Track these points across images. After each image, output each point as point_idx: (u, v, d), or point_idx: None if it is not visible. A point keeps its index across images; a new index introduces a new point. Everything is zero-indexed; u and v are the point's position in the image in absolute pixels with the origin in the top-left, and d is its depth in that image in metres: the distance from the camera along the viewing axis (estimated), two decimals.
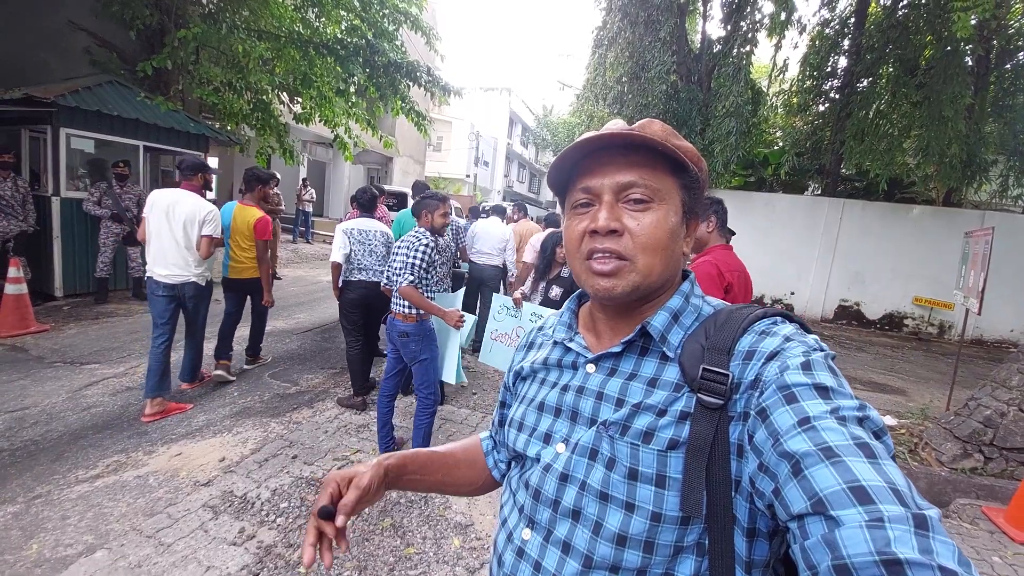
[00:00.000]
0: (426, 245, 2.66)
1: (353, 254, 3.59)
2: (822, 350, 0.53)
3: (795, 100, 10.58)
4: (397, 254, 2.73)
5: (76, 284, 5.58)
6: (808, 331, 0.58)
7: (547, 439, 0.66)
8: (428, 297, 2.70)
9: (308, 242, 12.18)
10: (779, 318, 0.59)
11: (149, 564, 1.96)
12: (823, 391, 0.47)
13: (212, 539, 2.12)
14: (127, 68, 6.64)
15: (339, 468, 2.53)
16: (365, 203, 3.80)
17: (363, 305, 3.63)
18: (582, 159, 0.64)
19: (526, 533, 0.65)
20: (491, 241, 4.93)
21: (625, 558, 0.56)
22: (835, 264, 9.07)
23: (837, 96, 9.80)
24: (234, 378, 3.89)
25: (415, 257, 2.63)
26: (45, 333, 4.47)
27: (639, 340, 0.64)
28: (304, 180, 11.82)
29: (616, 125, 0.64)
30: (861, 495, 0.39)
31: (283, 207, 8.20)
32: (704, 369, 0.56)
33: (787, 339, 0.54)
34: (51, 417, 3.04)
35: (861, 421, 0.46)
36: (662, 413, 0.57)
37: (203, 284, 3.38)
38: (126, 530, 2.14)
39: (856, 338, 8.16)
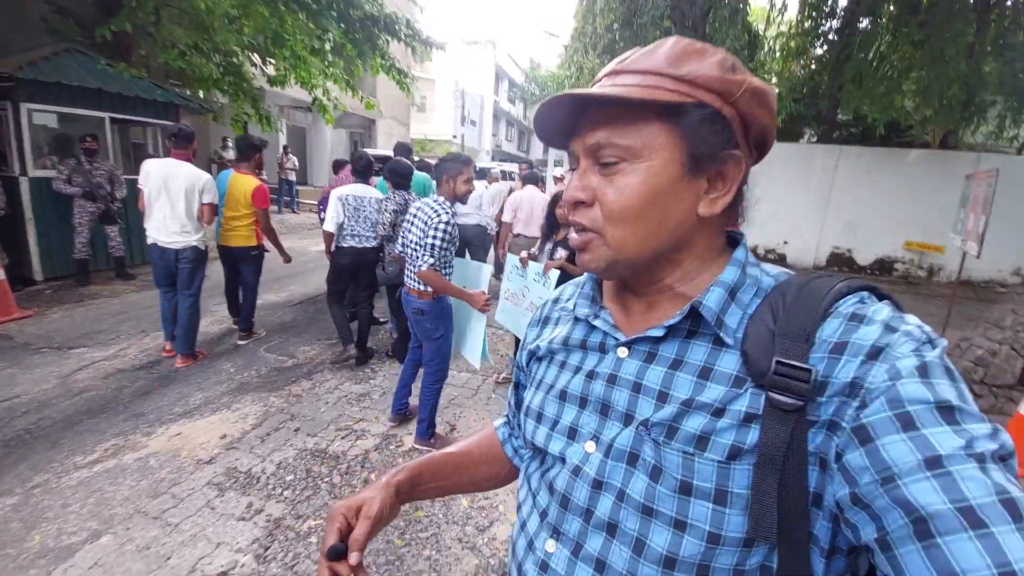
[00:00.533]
0: (446, 223, 2.40)
1: (347, 221, 3.60)
2: (931, 343, 0.42)
3: (793, 44, 10.19)
4: (412, 225, 2.53)
5: (55, 267, 5.40)
6: (902, 309, 0.47)
7: (572, 434, 0.57)
8: (447, 275, 2.53)
9: (294, 212, 11.89)
10: (865, 293, 0.48)
11: (157, 545, 1.96)
12: (948, 412, 0.38)
13: (220, 516, 2.13)
14: (86, 35, 6.18)
15: (342, 437, 2.51)
16: (361, 169, 3.78)
17: (353, 269, 3.74)
18: (546, 113, 0.54)
19: (550, 545, 0.56)
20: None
21: None
22: (829, 212, 9.03)
23: (836, 38, 9.43)
24: (263, 332, 4.28)
25: (435, 237, 2.39)
26: (29, 319, 4.35)
27: (685, 323, 0.52)
28: (285, 147, 11.40)
29: (627, 55, 0.54)
30: None
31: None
32: (778, 362, 0.45)
33: (888, 328, 0.43)
34: (43, 404, 2.98)
35: (1002, 458, 0.37)
36: (719, 413, 0.47)
37: (202, 248, 3.58)
38: (130, 513, 2.13)
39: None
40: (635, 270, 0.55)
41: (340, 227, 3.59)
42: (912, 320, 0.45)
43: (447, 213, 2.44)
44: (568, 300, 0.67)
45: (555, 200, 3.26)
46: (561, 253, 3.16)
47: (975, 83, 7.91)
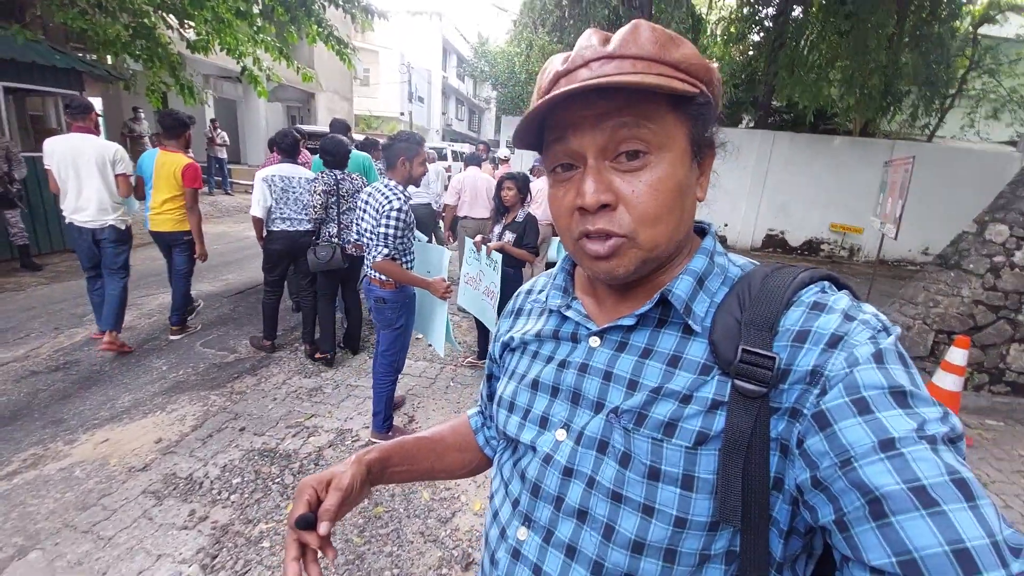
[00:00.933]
0: (399, 209, 2.28)
1: (275, 204, 3.39)
2: (886, 330, 0.44)
3: (733, 29, 10.55)
4: (365, 212, 2.41)
5: None
6: (858, 297, 0.49)
7: (544, 423, 0.58)
8: (407, 262, 2.43)
9: (228, 193, 11.03)
10: (826, 283, 0.50)
11: (91, 560, 1.81)
12: (901, 397, 0.40)
13: (159, 526, 1.99)
14: None
15: (293, 435, 2.40)
16: (286, 148, 3.54)
17: (289, 255, 3.55)
18: (554, 107, 0.48)
19: (522, 532, 0.57)
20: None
21: (642, 567, 0.48)
22: (764, 195, 9.57)
23: (772, 25, 9.85)
24: (199, 326, 3.99)
25: (388, 226, 2.27)
26: None
27: (655, 312, 0.53)
28: (213, 121, 10.47)
29: (590, 43, 0.49)
30: (967, 562, 0.34)
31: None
32: (743, 350, 0.46)
33: (847, 316, 0.45)
34: None
35: (952, 440, 0.39)
36: (687, 400, 0.48)
37: (123, 228, 3.42)
38: (58, 527, 1.95)
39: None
40: (655, 267, 0.53)
41: (268, 211, 3.40)
42: (869, 309, 0.47)
43: (399, 199, 2.31)
44: (541, 292, 0.67)
45: (500, 183, 3.24)
46: (508, 236, 3.16)
47: (893, 73, 8.58)
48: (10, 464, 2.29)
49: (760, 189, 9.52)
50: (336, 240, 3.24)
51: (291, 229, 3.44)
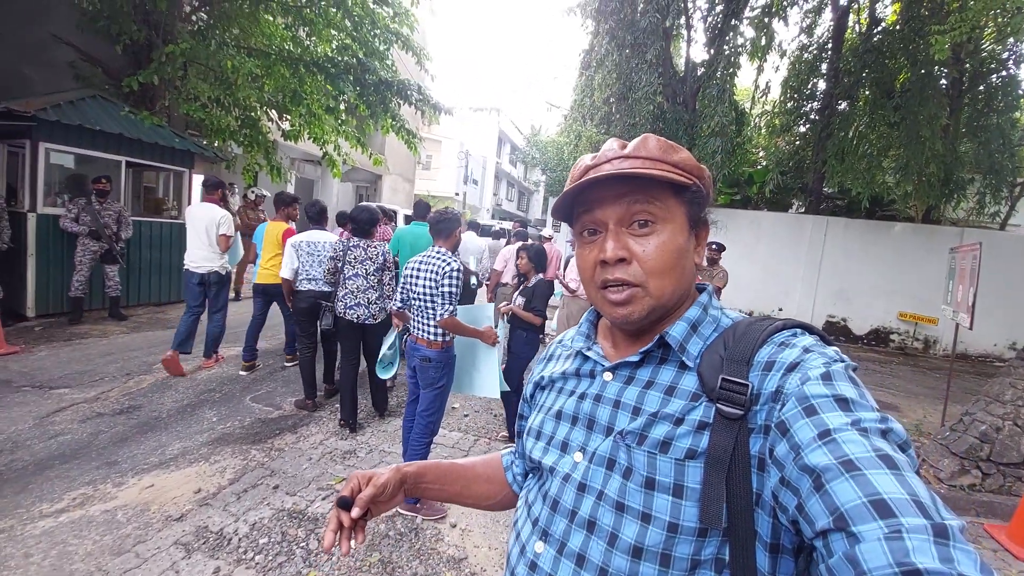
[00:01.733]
0: (457, 270, 2.54)
1: (302, 266, 3.81)
2: (842, 361, 0.52)
3: (777, 121, 10.86)
4: (418, 278, 2.57)
5: (50, 304, 5.36)
6: (828, 343, 0.57)
7: (564, 448, 0.66)
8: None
9: None
10: (799, 329, 0.59)
11: None
12: (843, 403, 0.47)
13: None
14: (112, 83, 6.54)
15: (323, 498, 2.38)
16: (315, 216, 4.10)
17: (313, 313, 3.79)
18: (582, 191, 0.64)
19: (539, 546, 0.64)
20: (469, 255, 4.98)
21: (641, 571, 0.55)
22: (820, 280, 9.19)
23: (817, 117, 10.07)
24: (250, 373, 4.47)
25: (450, 286, 2.51)
26: (15, 355, 4.25)
27: (657, 350, 0.64)
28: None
29: (611, 147, 0.65)
30: (882, 508, 0.39)
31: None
32: (723, 379, 0.55)
33: (806, 350, 0.53)
34: (16, 445, 2.85)
35: (884, 433, 0.45)
36: (679, 422, 0.57)
37: (223, 273, 4.38)
38: (91, 571, 1.97)
39: (845, 354, 8.21)
40: (662, 315, 0.64)
41: (295, 272, 3.80)
42: (830, 348, 0.55)
43: (456, 261, 2.58)
44: (569, 339, 0.79)
45: (517, 254, 3.49)
46: (519, 300, 3.29)
47: (951, 162, 8.37)
48: (60, 501, 2.40)
49: (815, 274, 9.18)
50: (328, 303, 3.55)
51: (316, 289, 3.79)
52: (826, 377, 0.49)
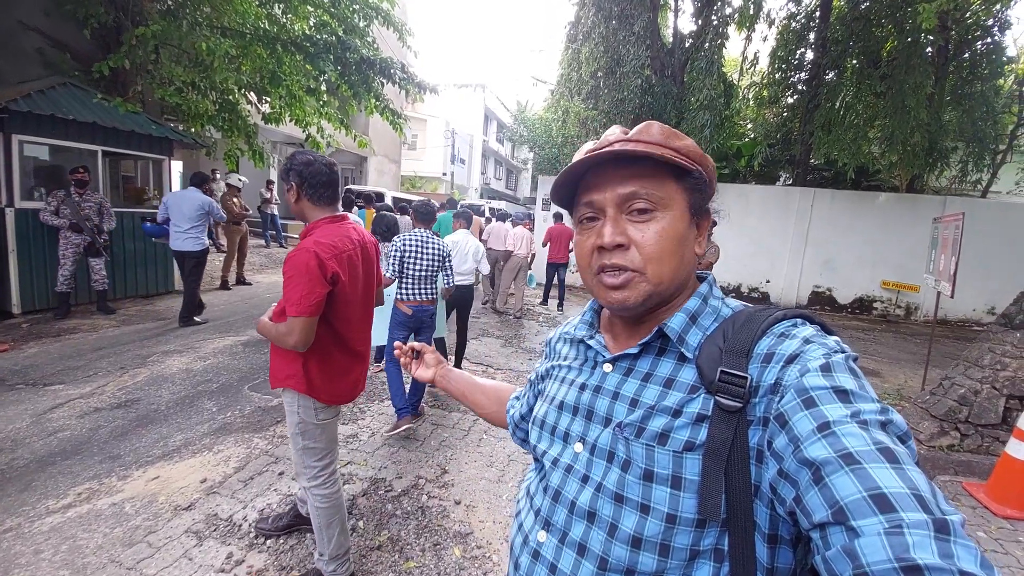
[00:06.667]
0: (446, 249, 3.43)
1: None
2: (843, 351, 0.52)
3: (765, 93, 10.81)
4: (423, 255, 3.32)
5: (35, 300, 5.26)
6: (829, 332, 0.57)
7: (566, 438, 0.68)
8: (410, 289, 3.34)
9: (282, 245, 11.83)
10: (799, 319, 0.58)
11: None
12: (843, 394, 0.47)
13: (198, 567, 2.02)
14: (82, 69, 6.26)
15: None
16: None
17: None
18: (583, 174, 0.64)
19: (541, 535, 0.65)
20: (467, 261, 4.52)
21: (640, 561, 0.56)
22: (807, 252, 9.33)
23: (805, 88, 10.05)
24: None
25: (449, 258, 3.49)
26: (4, 353, 4.19)
27: (656, 341, 0.64)
28: (269, 182, 11.44)
29: (614, 133, 0.64)
30: (882, 503, 0.39)
31: (248, 211, 7.94)
32: (722, 371, 0.55)
33: (807, 341, 0.53)
34: (16, 444, 2.84)
35: (884, 425, 0.45)
36: (677, 414, 0.57)
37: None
38: (104, 563, 2.01)
39: (829, 322, 8.28)
40: (660, 302, 0.64)
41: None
42: (831, 338, 0.55)
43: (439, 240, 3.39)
44: (572, 327, 0.80)
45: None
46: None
47: (936, 131, 8.45)
48: (66, 497, 2.42)
49: (802, 246, 9.31)
50: None
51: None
52: (825, 368, 0.49)
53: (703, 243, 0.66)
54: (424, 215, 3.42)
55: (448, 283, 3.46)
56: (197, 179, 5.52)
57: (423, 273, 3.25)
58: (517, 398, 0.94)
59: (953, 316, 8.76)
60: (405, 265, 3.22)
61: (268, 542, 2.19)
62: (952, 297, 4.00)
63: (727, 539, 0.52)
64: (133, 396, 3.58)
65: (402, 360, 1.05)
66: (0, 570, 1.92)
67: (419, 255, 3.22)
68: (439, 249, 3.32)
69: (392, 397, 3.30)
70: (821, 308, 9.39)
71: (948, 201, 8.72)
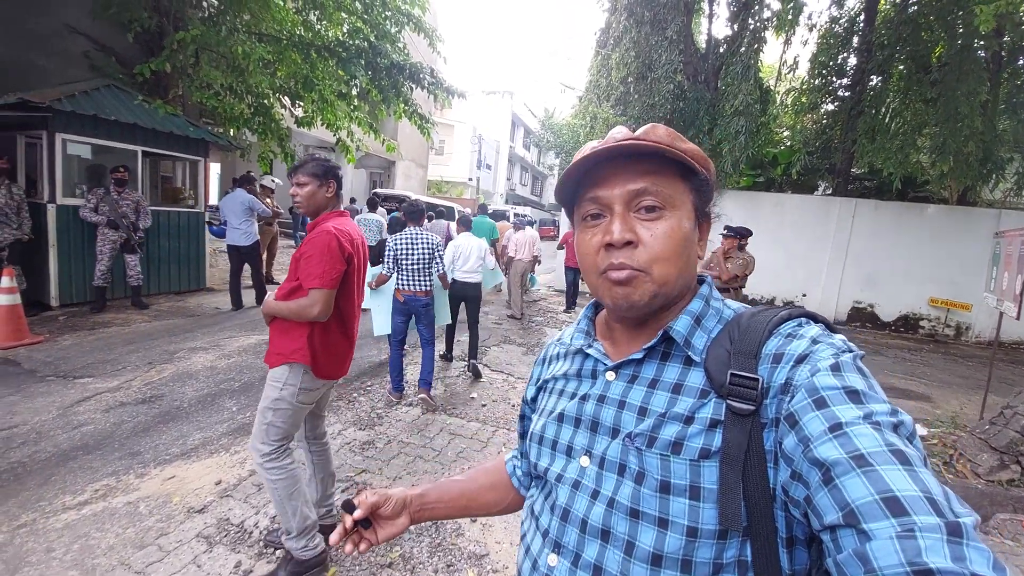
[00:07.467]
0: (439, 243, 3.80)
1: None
2: (851, 351, 0.51)
3: (805, 99, 10.40)
4: (413, 251, 3.67)
5: (72, 293, 5.45)
6: (834, 331, 0.56)
7: (569, 452, 0.64)
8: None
9: None
10: (804, 319, 0.57)
11: None
12: (854, 395, 0.46)
13: (206, 575, 1.96)
14: (125, 72, 6.52)
15: (342, 491, 2.35)
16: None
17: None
18: (589, 170, 0.62)
19: (552, 559, 0.61)
20: (471, 261, 4.61)
21: None
22: (848, 265, 8.88)
23: (847, 94, 9.62)
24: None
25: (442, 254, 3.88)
26: (39, 344, 4.33)
27: (661, 345, 0.61)
28: None
29: (620, 132, 0.63)
30: (894, 506, 0.38)
31: (281, 212, 8.10)
32: (732, 374, 0.53)
33: (814, 341, 0.52)
34: (40, 436, 2.88)
35: (895, 427, 0.44)
36: (689, 421, 0.55)
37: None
38: (114, 565, 1.97)
39: (872, 340, 7.95)
40: (663, 304, 0.61)
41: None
42: (837, 337, 0.54)
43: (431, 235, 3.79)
44: (568, 337, 0.76)
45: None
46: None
47: (991, 140, 7.92)
48: (83, 493, 2.41)
49: (842, 258, 8.87)
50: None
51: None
52: (836, 368, 0.48)
53: (704, 246, 0.65)
54: (413, 214, 3.79)
55: (439, 270, 3.77)
56: (242, 180, 6.26)
57: (416, 266, 3.64)
58: (515, 456, 0.86)
59: (1007, 338, 8.16)
60: (399, 261, 3.64)
61: (278, 552, 2.12)
62: (1019, 319, 3.67)
63: (749, 548, 0.50)
64: (158, 392, 3.61)
65: (349, 541, 0.70)
66: (11, 567, 1.90)
67: (410, 251, 3.63)
68: (428, 244, 3.70)
69: (391, 381, 3.85)
70: (862, 324, 8.91)
71: (1003, 215, 8.16)
